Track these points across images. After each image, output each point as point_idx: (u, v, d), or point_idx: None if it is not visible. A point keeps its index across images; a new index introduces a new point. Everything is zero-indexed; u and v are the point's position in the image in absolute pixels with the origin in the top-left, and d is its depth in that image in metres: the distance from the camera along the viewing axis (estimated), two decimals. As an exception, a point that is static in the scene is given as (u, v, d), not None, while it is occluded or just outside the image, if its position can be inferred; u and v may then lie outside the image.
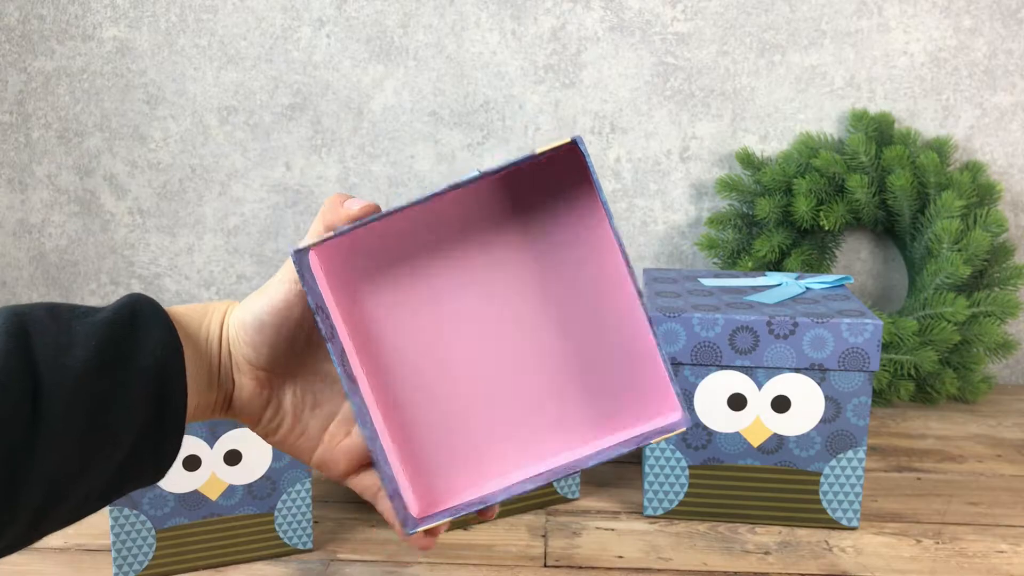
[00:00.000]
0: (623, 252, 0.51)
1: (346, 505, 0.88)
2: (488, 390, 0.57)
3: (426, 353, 0.56)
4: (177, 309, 0.51)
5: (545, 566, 0.77)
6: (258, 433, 0.52)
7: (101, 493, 0.46)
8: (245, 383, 0.50)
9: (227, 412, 0.52)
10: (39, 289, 1.33)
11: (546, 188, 0.56)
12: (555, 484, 0.87)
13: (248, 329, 0.49)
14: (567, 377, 0.57)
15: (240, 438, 0.77)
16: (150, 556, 0.75)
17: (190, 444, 0.75)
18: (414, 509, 0.53)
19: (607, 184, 1.27)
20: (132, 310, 0.48)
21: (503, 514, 0.85)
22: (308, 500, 0.79)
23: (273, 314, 0.49)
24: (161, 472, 0.48)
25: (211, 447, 0.76)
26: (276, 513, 0.78)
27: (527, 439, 0.56)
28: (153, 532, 0.75)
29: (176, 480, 0.75)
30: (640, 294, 0.52)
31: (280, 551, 0.79)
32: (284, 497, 0.78)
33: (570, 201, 0.56)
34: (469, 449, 0.57)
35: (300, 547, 0.79)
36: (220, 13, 1.25)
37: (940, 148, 1.20)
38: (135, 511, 0.74)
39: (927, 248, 1.16)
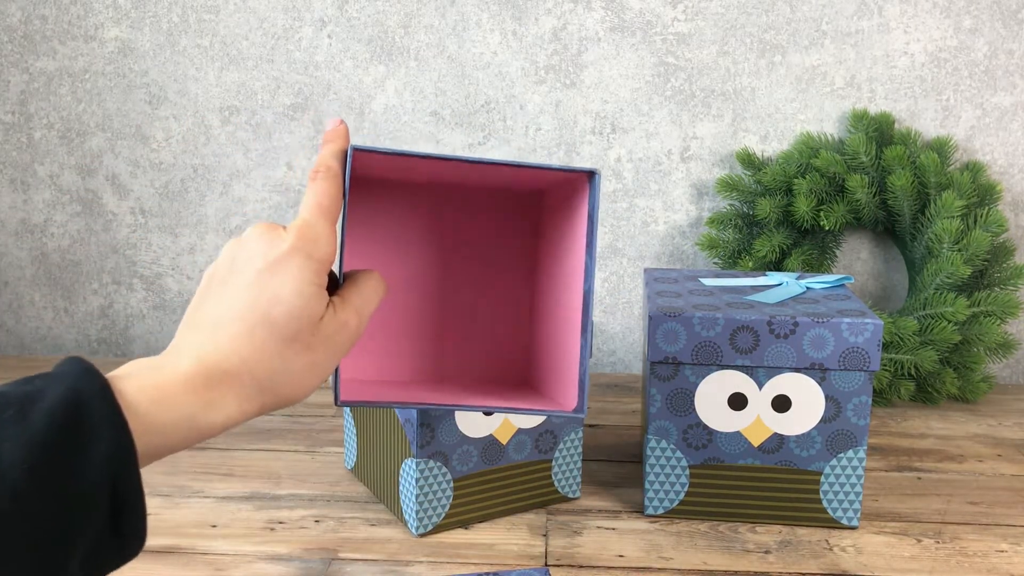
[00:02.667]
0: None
1: (346, 505, 0.88)
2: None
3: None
4: (138, 390, 0.45)
5: (546, 565, 0.77)
6: None
7: None
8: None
9: None
10: (41, 289, 1.33)
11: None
12: (556, 484, 0.87)
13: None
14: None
15: None
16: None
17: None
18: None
19: (608, 184, 1.27)
20: (74, 416, 0.41)
21: (504, 513, 0.86)
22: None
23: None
24: (123, 563, 0.45)
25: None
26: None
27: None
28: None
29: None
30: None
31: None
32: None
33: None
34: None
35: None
36: (222, 13, 1.25)
37: (940, 148, 1.20)
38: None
39: (927, 248, 1.16)
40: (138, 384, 0.46)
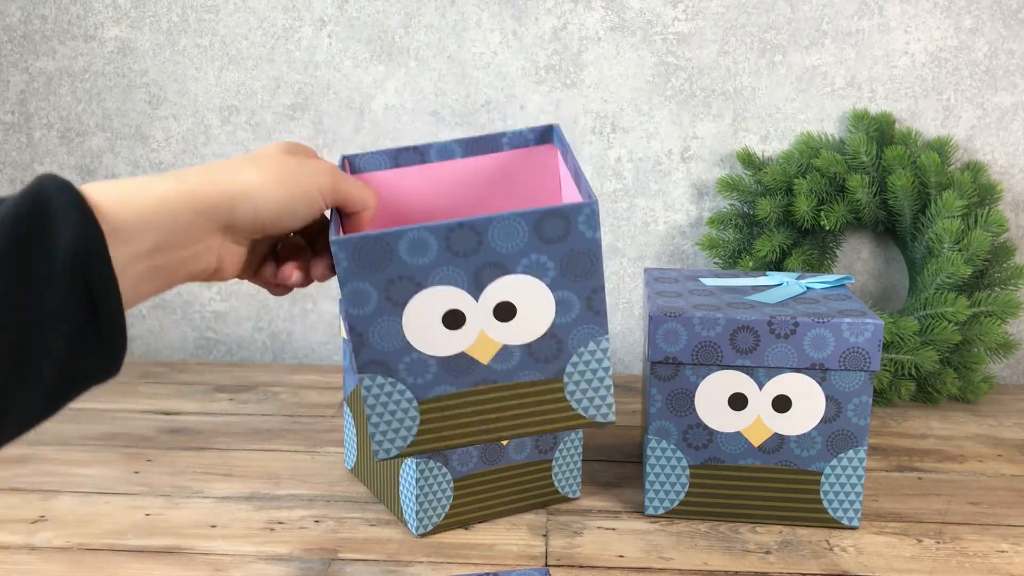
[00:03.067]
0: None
1: (346, 505, 0.88)
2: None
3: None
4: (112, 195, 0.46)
5: (546, 565, 0.77)
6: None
7: (46, 402, 0.43)
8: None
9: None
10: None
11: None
12: (556, 484, 0.87)
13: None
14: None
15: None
16: (414, 432, 0.65)
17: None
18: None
19: (608, 184, 1.27)
20: (38, 205, 0.42)
21: (504, 514, 0.86)
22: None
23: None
24: (112, 369, 0.45)
25: (476, 300, 0.64)
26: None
27: None
28: (415, 403, 0.65)
29: (436, 341, 0.65)
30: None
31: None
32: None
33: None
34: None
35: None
36: (221, 13, 1.25)
37: (941, 148, 1.20)
38: (390, 379, 0.63)
39: (928, 248, 1.16)
40: (102, 187, 0.47)
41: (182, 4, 1.25)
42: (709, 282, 0.93)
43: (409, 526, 0.82)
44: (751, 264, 1.18)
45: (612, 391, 0.63)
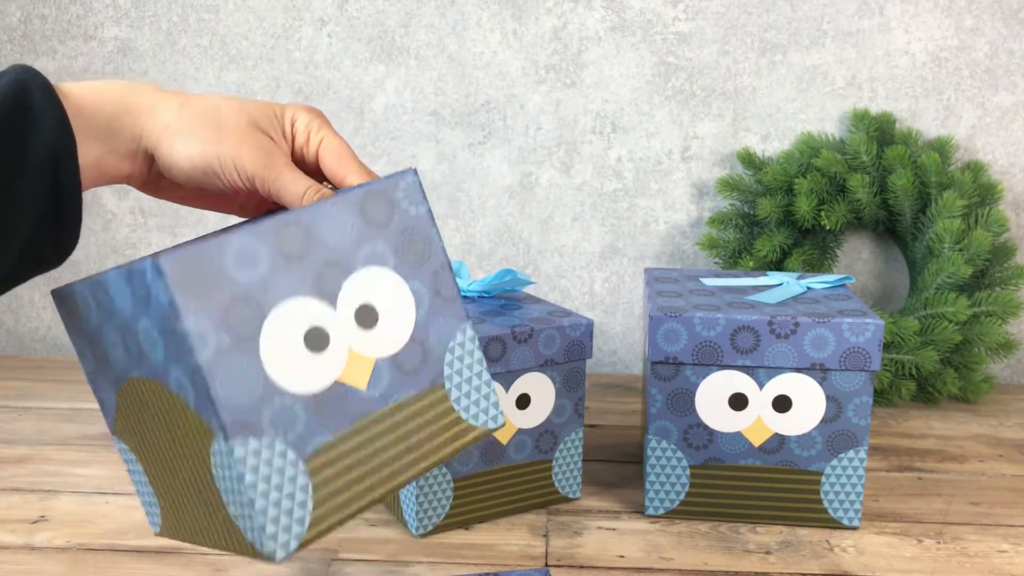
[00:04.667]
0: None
1: (347, 505, 0.88)
2: None
3: None
4: (78, 93, 0.52)
5: (546, 565, 0.77)
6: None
7: (4, 280, 0.49)
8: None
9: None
10: (41, 289, 1.33)
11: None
12: (556, 484, 0.87)
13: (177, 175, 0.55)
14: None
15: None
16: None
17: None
18: None
19: (608, 184, 1.27)
20: (18, 98, 0.48)
21: (504, 514, 0.86)
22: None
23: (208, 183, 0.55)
24: (61, 258, 0.51)
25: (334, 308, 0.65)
26: (447, 381, 0.58)
27: None
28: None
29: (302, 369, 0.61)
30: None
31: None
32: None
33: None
34: None
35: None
36: (221, 13, 1.25)
37: (941, 148, 1.20)
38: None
39: (928, 248, 1.16)
40: (79, 86, 0.53)
41: (182, 4, 1.25)
42: (709, 282, 0.93)
43: (409, 526, 0.82)
44: (751, 264, 1.18)
45: (493, 388, 0.56)
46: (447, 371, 0.54)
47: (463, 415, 0.55)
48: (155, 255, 0.45)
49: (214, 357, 0.45)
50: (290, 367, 0.48)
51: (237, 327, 0.46)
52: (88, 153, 0.52)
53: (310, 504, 0.48)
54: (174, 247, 0.46)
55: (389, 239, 0.52)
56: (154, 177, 0.57)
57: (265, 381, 0.47)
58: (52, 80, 1.27)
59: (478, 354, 0.55)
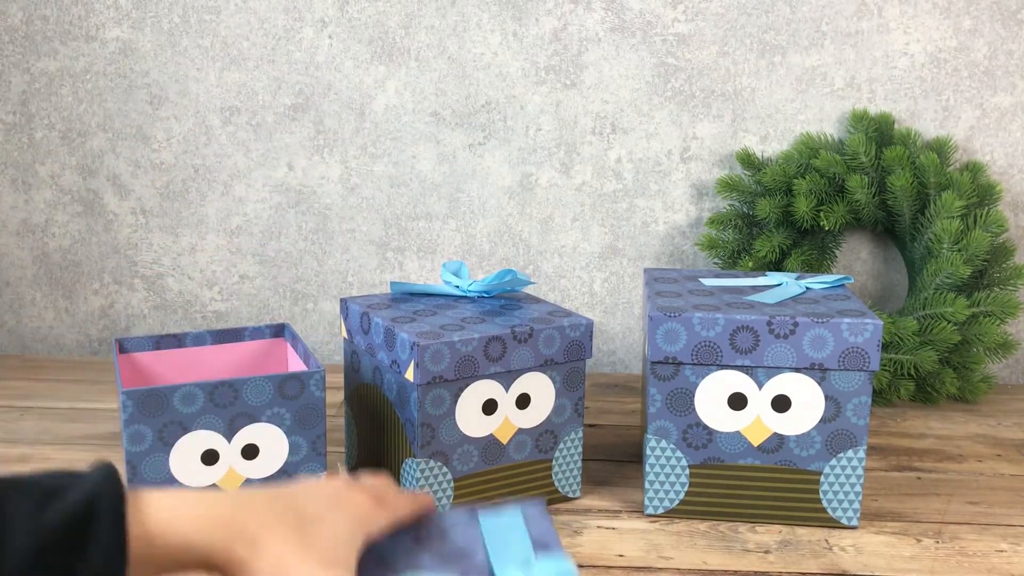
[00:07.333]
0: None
1: (348, 504, 0.88)
2: None
3: None
4: (155, 518, 0.46)
5: (546, 565, 0.78)
6: None
7: None
8: None
9: None
10: (42, 289, 1.33)
11: None
12: (556, 484, 0.88)
13: None
14: None
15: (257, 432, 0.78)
16: None
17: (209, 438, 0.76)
18: None
19: (608, 184, 1.27)
20: (83, 520, 0.44)
21: (504, 513, 0.86)
22: (581, 449, 0.88)
23: None
24: None
25: (228, 441, 0.76)
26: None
27: None
28: None
29: (193, 475, 0.76)
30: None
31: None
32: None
33: None
34: None
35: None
36: (223, 14, 1.25)
37: (940, 148, 1.20)
38: None
39: (927, 248, 1.16)
40: (158, 498, 0.47)
41: (183, 5, 1.25)
42: (709, 282, 0.93)
43: (410, 525, 0.83)
44: (751, 264, 1.19)
45: None
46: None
47: None
48: None
49: (146, 451, 0.75)
50: (187, 470, 0.76)
51: (165, 437, 0.76)
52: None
53: None
54: None
55: (292, 408, 0.78)
56: None
57: (168, 474, 0.75)
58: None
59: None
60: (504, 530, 0.60)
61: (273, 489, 0.52)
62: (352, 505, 0.53)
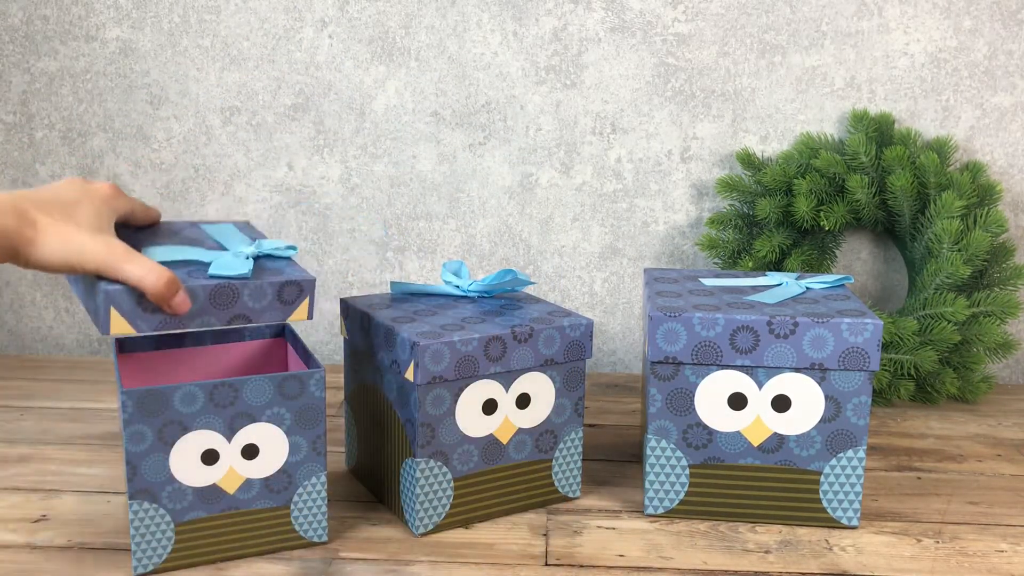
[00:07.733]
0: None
1: (348, 504, 0.88)
2: None
3: None
4: None
5: (546, 564, 0.78)
6: None
7: None
8: None
9: None
10: (42, 288, 1.33)
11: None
12: (556, 484, 0.88)
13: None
14: None
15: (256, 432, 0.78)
16: (168, 549, 0.75)
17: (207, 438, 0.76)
18: None
19: (608, 184, 1.27)
20: None
21: (504, 513, 0.86)
22: (324, 494, 0.79)
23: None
24: None
25: (228, 441, 0.76)
26: (292, 506, 0.79)
27: None
28: (172, 526, 0.75)
29: (194, 474, 0.76)
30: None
31: (296, 543, 0.79)
32: (300, 491, 0.79)
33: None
34: None
35: (316, 539, 0.80)
36: (223, 14, 1.25)
37: (940, 148, 1.20)
38: (154, 505, 0.74)
39: (927, 248, 1.16)
40: None
41: (183, 5, 1.25)
42: (709, 282, 0.93)
43: (410, 525, 0.82)
44: (751, 264, 1.19)
45: (326, 515, 0.79)
46: (296, 499, 0.78)
47: (297, 528, 0.79)
48: None
49: (146, 450, 0.74)
50: (187, 469, 0.75)
51: (165, 436, 0.75)
52: None
53: (170, 548, 0.75)
54: None
55: (292, 408, 0.77)
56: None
57: (168, 473, 0.74)
58: (53, 81, 1.28)
59: (324, 493, 0.79)
60: (224, 231, 0.82)
61: (32, 189, 0.70)
62: (97, 192, 0.73)
